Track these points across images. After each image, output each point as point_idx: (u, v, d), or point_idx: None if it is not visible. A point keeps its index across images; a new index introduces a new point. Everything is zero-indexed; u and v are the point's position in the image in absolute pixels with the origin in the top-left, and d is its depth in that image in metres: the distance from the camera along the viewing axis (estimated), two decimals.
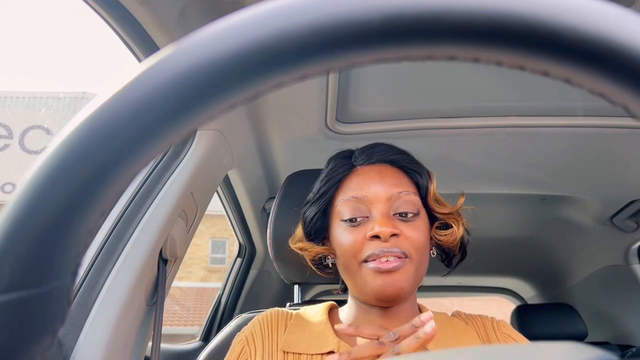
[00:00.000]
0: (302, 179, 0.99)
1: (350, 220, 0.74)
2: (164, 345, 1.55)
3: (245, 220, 1.73)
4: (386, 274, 0.70)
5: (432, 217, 0.79)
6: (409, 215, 0.73)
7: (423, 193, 0.77)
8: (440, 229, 0.78)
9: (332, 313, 0.84)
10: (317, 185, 0.81)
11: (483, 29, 0.18)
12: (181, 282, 10.33)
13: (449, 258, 0.82)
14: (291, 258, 0.96)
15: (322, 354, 0.75)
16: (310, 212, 0.80)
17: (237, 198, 1.56)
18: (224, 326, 1.05)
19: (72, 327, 0.75)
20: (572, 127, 1.22)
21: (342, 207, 0.75)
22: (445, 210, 0.78)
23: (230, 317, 1.85)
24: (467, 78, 1.12)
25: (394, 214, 0.73)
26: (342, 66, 0.19)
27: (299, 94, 1.11)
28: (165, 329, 0.91)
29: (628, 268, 1.93)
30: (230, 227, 1.84)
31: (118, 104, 0.18)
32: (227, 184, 1.47)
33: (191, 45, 0.18)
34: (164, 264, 0.93)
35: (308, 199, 0.82)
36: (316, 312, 0.82)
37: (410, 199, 0.74)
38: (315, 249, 0.80)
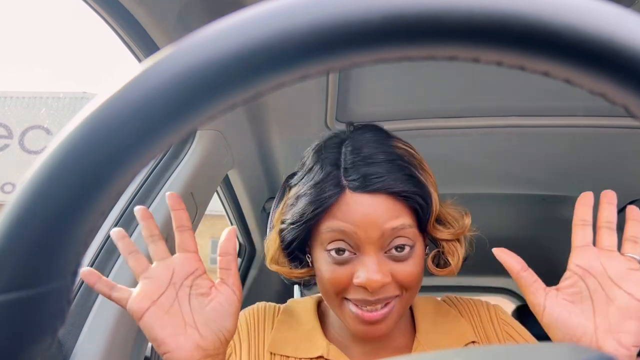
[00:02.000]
0: None
1: (337, 252, 0.65)
2: None
3: (245, 220, 1.73)
4: (369, 324, 0.65)
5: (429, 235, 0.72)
6: (405, 250, 0.65)
7: (423, 219, 0.67)
8: (436, 258, 0.72)
9: (322, 308, 0.79)
10: (301, 203, 0.68)
11: (483, 29, 0.18)
12: None
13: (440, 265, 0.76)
14: None
15: (311, 358, 0.72)
16: (291, 234, 0.70)
17: (237, 198, 1.56)
18: None
19: (72, 327, 0.75)
20: (572, 127, 1.22)
21: (328, 236, 0.66)
22: (446, 236, 0.70)
23: None
24: (467, 78, 1.11)
25: (385, 252, 0.65)
26: (342, 66, 0.19)
27: (299, 94, 1.11)
28: None
29: None
30: None
31: (118, 104, 0.18)
32: (227, 184, 1.47)
33: (191, 45, 0.18)
34: None
35: (285, 218, 0.71)
36: (305, 307, 0.78)
37: (406, 233, 0.65)
38: (294, 273, 0.74)
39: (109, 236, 0.86)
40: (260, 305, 0.79)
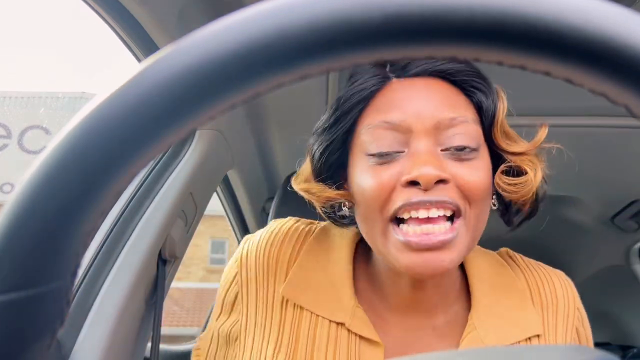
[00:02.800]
0: None
1: (379, 155, 0.52)
2: (163, 346, 1.55)
3: (245, 220, 1.73)
4: (423, 252, 0.49)
5: (496, 157, 0.57)
6: (466, 150, 0.52)
7: (487, 121, 0.55)
8: (508, 175, 0.56)
9: (358, 254, 0.62)
10: (333, 104, 0.57)
11: (484, 28, 0.18)
12: (180, 282, 10.32)
13: (510, 215, 0.63)
14: None
15: (330, 321, 0.57)
16: (322, 141, 0.58)
17: (237, 198, 1.56)
18: None
19: (72, 327, 0.75)
20: (572, 127, 1.22)
21: (368, 135, 0.53)
22: (518, 149, 0.56)
23: None
24: None
25: (442, 150, 0.52)
26: (343, 66, 0.19)
27: (299, 94, 1.11)
28: (165, 330, 0.91)
29: (629, 268, 1.93)
30: (230, 228, 1.84)
31: (117, 103, 0.18)
32: (227, 184, 1.47)
33: (190, 44, 0.18)
34: (163, 264, 0.93)
35: (318, 125, 0.60)
36: (342, 239, 0.62)
37: (468, 129, 0.52)
38: (326, 193, 0.57)
39: (108, 236, 0.86)
40: (285, 227, 0.63)
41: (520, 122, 1.21)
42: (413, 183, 0.49)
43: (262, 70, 0.18)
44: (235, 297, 0.63)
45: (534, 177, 0.56)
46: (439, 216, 0.50)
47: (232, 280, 0.64)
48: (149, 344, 0.91)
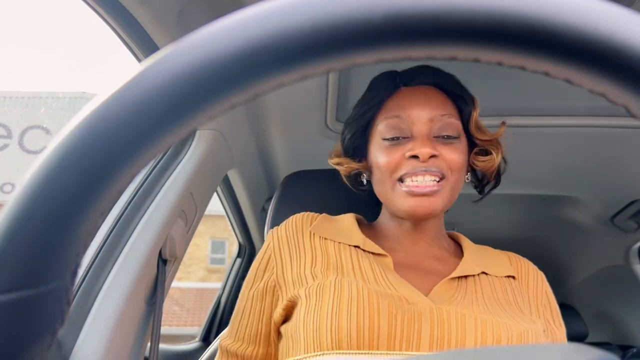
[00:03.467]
0: (299, 180, 0.99)
1: (391, 139, 0.75)
2: (164, 346, 1.55)
3: (245, 220, 1.73)
4: (419, 197, 0.72)
5: (472, 144, 0.80)
6: (451, 137, 0.75)
7: (465, 118, 0.78)
8: (479, 155, 0.80)
9: (361, 224, 0.85)
10: (357, 105, 0.82)
11: (484, 29, 0.18)
12: (181, 282, 10.33)
13: (482, 184, 0.84)
14: None
15: (348, 245, 0.77)
16: (350, 130, 0.82)
17: (237, 198, 1.56)
18: (224, 327, 1.05)
19: (72, 327, 0.75)
20: (573, 127, 1.22)
21: (383, 125, 0.77)
22: (486, 137, 0.79)
23: (229, 318, 1.85)
24: (467, 78, 1.11)
25: (435, 136, 0.75)
26: (343, 66, 0.19)
27: (299, 94, 1.11)
28: (165, 330, 0.91)
29: (629, 268, 1.93)
30: (230, 227, 1.84)
31: (117, 103, 0.18)
32: (227, 184, 1.47)
33: (191, 44, 0.18)
34: (163, 264, 0.93)
35: (347, 119, 0.84)
36: (343, 216, 0.85)
37: (452, 122, 0.75)
38: (352, 164, 0.82)
39: (109, 236, 0.86)
40: (299, 214, 0.84)
41: (521, 122, 1.21)
42: (414, 157, 0.72)
43: (262, 70, 0.18)
44: (269, 259, 0.79)
45: (497, 156, 0.79)
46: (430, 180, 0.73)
47: (265, 251, 0.80)
48: (149, 344, 0.91)
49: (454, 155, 0.74)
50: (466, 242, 0.84)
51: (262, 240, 1.88)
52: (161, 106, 0.18)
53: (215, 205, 1.43)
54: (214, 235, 11.40)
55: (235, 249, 2.03)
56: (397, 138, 0.75)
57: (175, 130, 0.18)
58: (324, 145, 1.28)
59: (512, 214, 1.85)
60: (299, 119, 1.22)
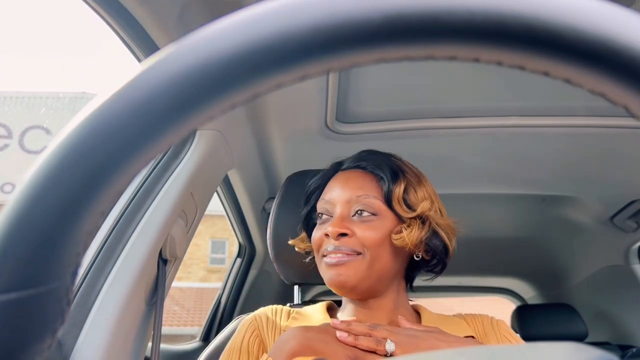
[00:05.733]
0: (301, 179, 0.99)
1: (320, 218, 0.83)
2: (164, 346, 1.55)
3: (245, 220, 1.73)
4: (332, 267, 0.77)
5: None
6: (364, 214, 0.79)
7: (388, 197, 0.80)
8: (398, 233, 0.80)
9: (331, 310, 0.89)
10: (307, 187, 0.90)
11: (483, 29, 0.18)
12: (181, 282, 10.32)
13: (426, 264, 0.83)
14: (291, 258, 0.96)
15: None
16: (302, 211, 0.90)
17: (237, 198, 1.56)
18: (224, 327, 1.05)
19: (72, 327, 0.75)
20: (573, 127, 1.22)
21: (320, 205, 0.84)
22: (408, 215, 0.79)
23: (230, 318, 1.85)
24: (467, 78, 1.11)
25: (353, 215, 0.80)
26: (343, 66, 0.19)
27: (299, 94, 1.11)
28: (165, 329, 0.91)
29: (628, 268, 1.93)
30: (230, 227, 1.84)
31: (117, 104, 0.18)
32: (227, 184, 1.47)
33: (191, 45, 0.18)
34: (163, 264, 0.93)
35: (303, 200, 0.91)
36: (316, 309, 0.88)
37: (368, 202, 0.79)
38: (302, 245, 0.89)
39: (109, 236, 0.86)
40: (276, 305, 0.90)
41: (521, 122, 1.21)
42: (328, 235, 0.79)
43: (262, 70, 0.18)
44: (253, 330, 0.84)
45: (411, 232, 0.78)
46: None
47: (247, 328, 0.84)
48: (150, 344, 0.91)
49: (367, 233, 0.77)
50: (425, 313, 0.85)
51: (263, 241, 1.89)
52: (161, 106, 0.18)
53: (215, 205, 1.43)
54: (214, 235, 11.40)
55: (235, 249, 2.03)
56: (322, 216, 0.83)
57: (175, 130, 0.19)
58: (324, 145, 1.28)
59: (512, 214, 1.85)
60: (299, 119, 1.22)
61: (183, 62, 0.18)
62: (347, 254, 0.77)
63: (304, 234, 0.91)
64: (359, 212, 0.79)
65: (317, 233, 0.82)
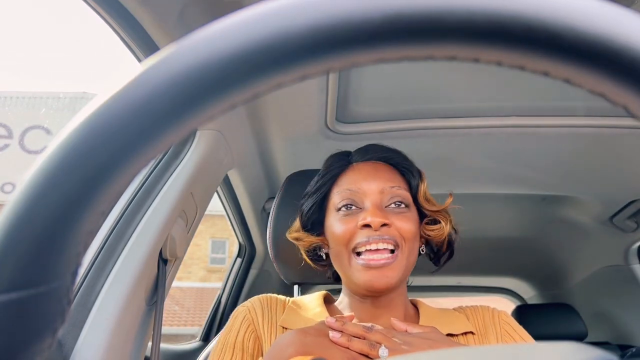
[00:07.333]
0: (302, 179, 0.99)
1: (345, 207, 0.78)
2: (164, 345, 1.55)
3: (245, 220, 1.73)
4: (375, 270, 0.73)
5: (421, 215, 0.82)
6: (401, 206, 0.77)
7: (414, 191, 0.81)
8: (429, 225, 0.82)
9: (327, 301, 0.87)
10: (314, 180, 0.85)
11: (483, 29, 0.18)
12: (181, 282, 10.32)
13: (437, 256, 0.85)
14: (291, 258, 0.96)
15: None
16: (307, 204, 0.84)
17: (237, 198, 1.56)
18: (223, 326, 1.05)
19: (72, 327, 0.75)
20: (573, 127, 1.22)
21: (337, 198, 0.79)
22: (434, 208, 0.81)
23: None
24: (467, 78, 1.11)
25: (385, 207, 0.77)
26: (343, 66, 0.19)
27: (299, 94, 1.11)
28: (165, 329, 0.91)
29: (628, 268, 1.93)
30: (230, 227, 1.84)
31: (118, 104, 0.18)
32: (227, 184, 1.47)
33: (191, 45, 0.18)
34: (163, 264, 0.93)
35: (305, 192, 0.86)
36: (312, 299, 0.86)
37: (401, 193, 0.78)
38: (310, 238, 0.83)
39: (109, 236, 0.86)
40: (271, 294, 0.86)
41: (521, 122, 1.22)
42: (367, 226, 0.74)
43: (262, 70, 0.18)
44: (246, 321, 0.81)
45: (445, 225, 0.81)
46: (384, 248, 0.74)
47: (243, 319, 0.81)
48: (150, 343, 0.91)
49: (405, 224, 0.75)
50: (423, 308, 0.84)
51: (263, 241, 1.89)
52: (161, 106, 0.18)
53: (215, 205, 1.43)
54: (214, 235, 11.40)
55: (235, 249, 2.03)
56: (350, 207, 0.78)
57: (175, 130, 0.19)
58: (324, 145, 1.28)
59: (512, 214, 1.85)
60: (299, 119, 1.22)
61: (183, 62, 0.18)
62: (390, 244, 0.74)
63: (301, 233, 0.86)
64: (396, 203, 0.77)
65: (345, 225, 0.76)
